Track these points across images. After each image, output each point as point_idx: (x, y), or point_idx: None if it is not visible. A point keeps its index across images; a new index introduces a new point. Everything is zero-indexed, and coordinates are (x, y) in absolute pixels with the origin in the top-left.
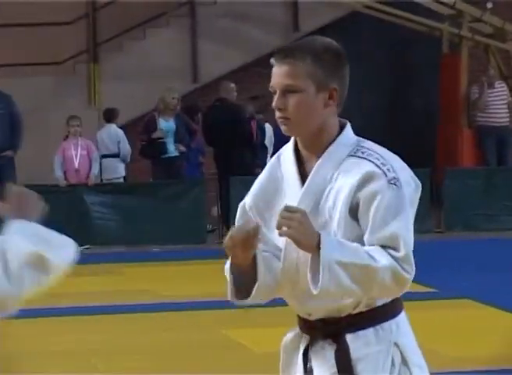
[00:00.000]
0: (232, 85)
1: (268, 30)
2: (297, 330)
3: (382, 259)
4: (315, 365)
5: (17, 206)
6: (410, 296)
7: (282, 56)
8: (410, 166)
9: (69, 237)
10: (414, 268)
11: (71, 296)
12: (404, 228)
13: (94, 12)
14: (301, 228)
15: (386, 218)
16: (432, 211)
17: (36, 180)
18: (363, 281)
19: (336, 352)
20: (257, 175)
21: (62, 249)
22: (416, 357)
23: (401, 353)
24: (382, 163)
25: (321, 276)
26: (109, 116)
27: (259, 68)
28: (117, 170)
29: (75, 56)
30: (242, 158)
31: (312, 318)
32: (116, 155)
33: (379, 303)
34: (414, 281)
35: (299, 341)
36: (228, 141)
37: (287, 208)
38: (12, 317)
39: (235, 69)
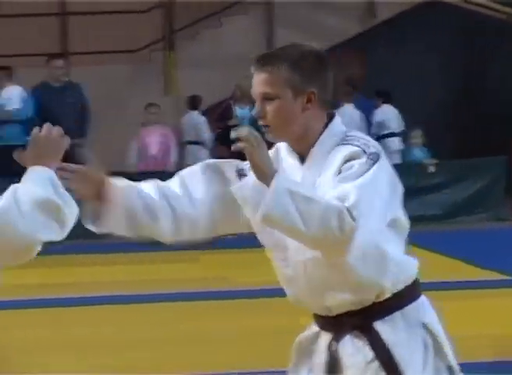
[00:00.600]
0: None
1: (344, 17)
2: (314, 329)
3: (332, 201)
4: (347, 358)
5: (36, 153)
6: (485, 284)
7: (259, 65)
8: (485, 154)
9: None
10: (356, 225)
11: (149, 283)
12: (359, 189)
13: (170, 1)
14: (261, 151)
15: (347, 178)
16: (508, 199)
17: (113, 166)
18: (308, 215)
19: (369, 341)
20: None
21: (72, 208)
22: (444, 338)
23: (431, 334)
24: (363, 144)
25: (268, 197)
26: (194, 102)
27: (335, 55)
28: (200, 156)
29: (151, 44)
30: None
31: (334, 313)
32: (199, 142)
33: (400, 288)
34: (488, 268)
35: (316, 340)
36: None
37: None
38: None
39: None
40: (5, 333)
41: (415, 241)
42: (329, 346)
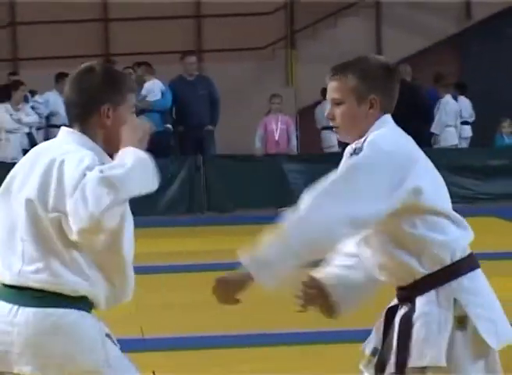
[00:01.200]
0: (409, 68)
1: (442, 17)
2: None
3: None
4: (395, 322)
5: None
6: None
7: (332, 73)
8: None
9: (268, 199)
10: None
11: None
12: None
13: (292, 3)
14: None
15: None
16: None
17: (238, 150)
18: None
19: (409, 311)
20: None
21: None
22: (487, 311)
23: (463, 308)
24: (362, 141)
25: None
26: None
27: (435, 52)
28: (331, 140)
29: (274, 43)
30: (418, 131)
31: (394, 286)
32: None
33: (440, 267)
34: None
35: (392, 306)
36: (406, 114)
37: None
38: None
39: (413, 53)
40: (143, 296)
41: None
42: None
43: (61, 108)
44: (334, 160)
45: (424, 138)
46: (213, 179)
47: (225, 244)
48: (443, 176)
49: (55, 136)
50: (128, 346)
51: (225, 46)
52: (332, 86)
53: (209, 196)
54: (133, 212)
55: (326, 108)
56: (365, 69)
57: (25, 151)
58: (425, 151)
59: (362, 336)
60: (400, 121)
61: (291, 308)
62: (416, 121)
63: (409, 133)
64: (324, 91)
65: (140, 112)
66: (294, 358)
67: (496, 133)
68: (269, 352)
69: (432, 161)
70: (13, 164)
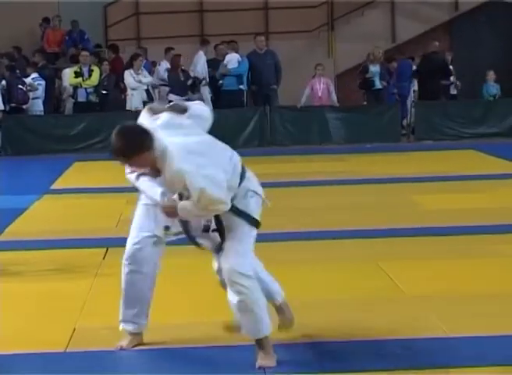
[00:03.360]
0: (437, 43)
1: (437, 8)
2: None
3: None
4: None
5: None
6: None
7: None
8: None
9: (314, 138)
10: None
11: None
12: None
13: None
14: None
15: None
16: None
17: (294, 102)
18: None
19: None
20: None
21: None
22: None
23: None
24: None
25: None
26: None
27: (433, 34)
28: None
29: (320, 27)
30: (438, 87)
31: None
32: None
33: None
34: None
35: None
36: (436, 72)
37: None
38: None
39: (418, 34)
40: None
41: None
42: None
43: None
44: (358, 110)
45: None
46: (276, 123)
47: (284, 169)
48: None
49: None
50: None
51: (286, 29)
52: None
53: (273, 135)
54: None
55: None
56: None
57: (144, 103)
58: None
59: None
60: (432, 77)
61: None
62: (441, 76)
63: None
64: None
65: (221, 76)
66: None
67: (482, 84)
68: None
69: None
70: (136, 112)
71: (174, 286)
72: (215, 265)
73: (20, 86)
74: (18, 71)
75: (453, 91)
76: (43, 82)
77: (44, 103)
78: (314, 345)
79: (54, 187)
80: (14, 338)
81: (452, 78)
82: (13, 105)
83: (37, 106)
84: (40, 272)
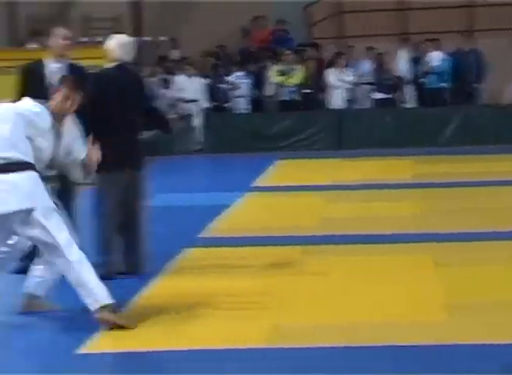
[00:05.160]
0: None
1: None
2: None
3: None
4: None
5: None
6: None
7: None
8: None
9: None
10: None
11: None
12: None
13: None
14: None
15: None
16: None
17: (495, 101)
18: None
19: None
20: None
21: None
22: None
23: None
24: None
25: None
26: None
27: None
28: None
29: None
30: None
31: None
32: None
33: None
34: None
35: None
36: None
37: None
38: None
39: None
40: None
41: None
42: None
43: None
44: None
45: None
46: (479, 121)
47: (491, 167)
48: None
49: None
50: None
51: (490, 26)
52: None
53: (476, 133)
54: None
55: None
56: None
57: (349, 101)
58: None
59: None
60: None
61: None
62: None
63: None
64: None
65: (422, 74)
66: None
67: None
68: None
69: None
70: (339, 111)
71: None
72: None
73: (222, 84)
74: (222, 70)
75: None
76: (247, 80)
77: (248, 101)
78: None
79: (256, 184)
80: (214, 334)
81: None
82: (215, 103)
83: (240, 104)
84: (240, 269)
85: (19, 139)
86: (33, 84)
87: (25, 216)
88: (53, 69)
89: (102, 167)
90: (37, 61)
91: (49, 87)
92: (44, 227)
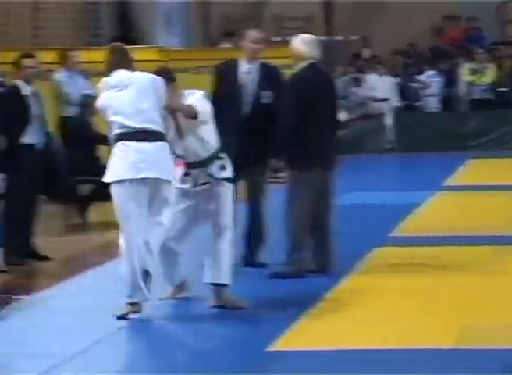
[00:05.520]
0: None
1: None
2: None
3: None
4: None
5: None
6: None
7: None
8: None
9: None
10: None
11: None
12: None
13: None
14: None
15: None
16: None
17: None
18: None
19: None
20: None
21: None
22: None
23: None
24: None
25: None
26: None
27: None
28: None
29: None
30: None
31: None
32: None
33: None
34: None
35: None
36: None
37: None
38: None
39: None
40: None
41: None
42: None
43: None
44: None
45: None
46: None
47: None
48: None
49: None
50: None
51: None
52: None
53: None
54: None
55: None
56: None
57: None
58: None
59: None
60: None
61: None
62: None
63: None
64: None
65: None
66: None
67: None
68: None
69: None
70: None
71: None
72: None
73: (413, 83)
74: (413, 68)
75: None
76: (438, 79)
77: (439, 100)
78: None
79: (447, 183)
80: (402, 334)
81: None
82: (406, 102)
83: (431, 103)
84: (429, 268)
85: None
86: (226, 83)
87: None
88: (245, 69)
89: (295, 166)
90: (232, 60)
91: (240, 87)
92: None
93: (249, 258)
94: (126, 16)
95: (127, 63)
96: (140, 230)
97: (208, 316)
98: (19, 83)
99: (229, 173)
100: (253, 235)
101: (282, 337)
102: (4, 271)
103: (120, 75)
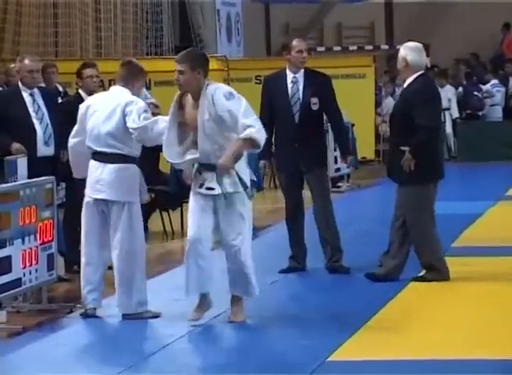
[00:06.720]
0: None
1: None
2: None
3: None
4: None
5: None
6: None
7: None
8: None
9: None
10: None
11: None
12: None
13: None
14: None
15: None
16: None
17: None
18: None
19: None
20: None
21: None
22: None
23: None
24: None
25: None
26: None
27: None
28: None
29: None
30: None
31: None
32: None
33: None
34: None
35: None
36: None
37: None
38: None
39: None
40: None
41: None
42: None
43: None
44: None
45: None
46: None
47: None
48: None
49: None
50: None
51: None
52: None
53: None
54: None
55: None
56: None
57: None
58: None
59: None
60: None
61: None
62: None
63: None
64: None
65: None
66: None
67: None
68: None
69: None
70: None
71: None
72: None
73: (476, 93)
74: (475, 78)
75: None
76: (502, 89)
77: (501, 110)
78: None
79: (510, 193)
80: (470, 342)
81: None
82: (469, 111)
83: (495, 113)
84: (487, 276)
85: None
86: (275, 94)
87: None
88: (292, 78)
89: (426, 178)
90: (279, 71)
91: (289, 96)
92: None
93: (328, 264)
94: (187, 26)
95: (127, 80)
96: (97, 246)
97: (265, 326)
98: (83, 93)
99: (239, 185)
100: (325, 242)
101: (343, 346)
102: (65, 280)
103: (100, 96)
